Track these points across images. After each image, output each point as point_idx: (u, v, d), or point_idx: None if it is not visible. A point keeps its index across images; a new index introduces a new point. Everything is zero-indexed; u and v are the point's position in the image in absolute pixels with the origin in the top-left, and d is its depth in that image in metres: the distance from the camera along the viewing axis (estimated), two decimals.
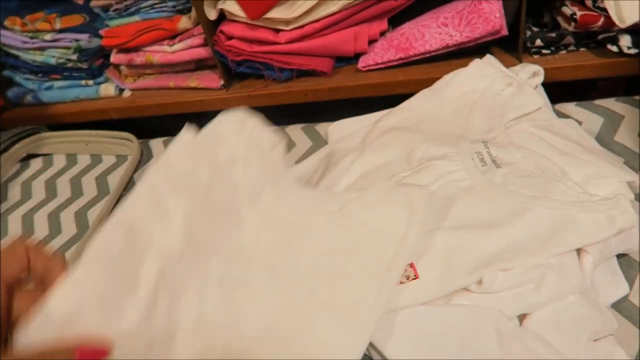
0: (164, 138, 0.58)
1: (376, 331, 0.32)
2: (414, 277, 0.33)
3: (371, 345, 0.33)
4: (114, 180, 0.55)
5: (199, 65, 0.67)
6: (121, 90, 0.70)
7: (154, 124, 0.65)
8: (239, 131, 0.35)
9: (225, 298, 0.31)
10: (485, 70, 0.48)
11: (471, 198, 0.37)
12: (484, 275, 0.32)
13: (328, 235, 0.33)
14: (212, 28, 0.60)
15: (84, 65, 0.68)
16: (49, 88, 0.72)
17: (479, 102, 0.46)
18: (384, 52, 0.57)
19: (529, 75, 0.47)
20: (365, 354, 0.33)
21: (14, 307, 0.26)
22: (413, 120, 0.47)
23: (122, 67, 0.70)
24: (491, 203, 0.36)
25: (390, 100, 0.51)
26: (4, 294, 0.25)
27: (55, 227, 0.52)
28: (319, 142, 0.52)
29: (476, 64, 0.48)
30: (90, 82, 0.70)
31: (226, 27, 0.59)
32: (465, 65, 0.49)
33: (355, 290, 0.30)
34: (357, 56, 0.59)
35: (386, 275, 0.30)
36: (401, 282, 0.33)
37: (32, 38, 0.68)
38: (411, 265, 0.33)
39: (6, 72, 0.74)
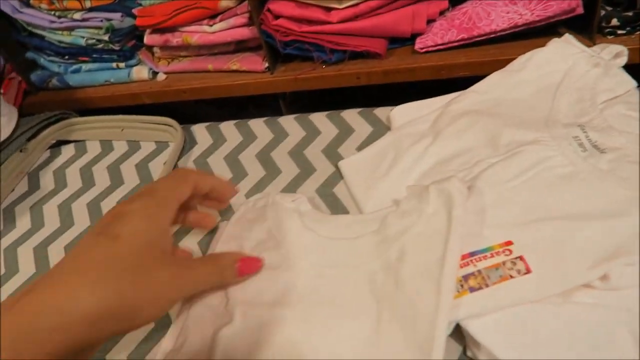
0: (207, 124, 0.54)
1: (485, 331, 0.29)
2: (526, 272, 0.30)
3: (477, 345, 0.29)
4: (156, 168, 0.51)
5: (238, 46, 0.63)
6: (154, 74, 0.66)
7: (189, 111, 0.61)
8: None
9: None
10: (567, 50, 0.44)
11: (577, 186, 0.34)
12: (610, 269, 0.28)
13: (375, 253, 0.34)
14: (259, 6, 0.56)
15: (116, 47, 0.64)
16: (77, 71, 0.68)
17: (564, 84, 0.42)
18: (444, 32, 0.54)
19: (611, 57, 0.44)
20: (468, 356, 0.30)
21: (186, 219, 0.37)
22: (489, 104, 0.43)
23: (156, 49, 0.66)
24: (603, 191, 0.33)
25: (448, 84, 0.48)
26: (177, 210, 0.32)
27: (96, 216, 0.48)
28: (380, 127, 0.48)
29: (555, 44, 0.45)
30: (122, 64, 0.66)
31: (274, 5, 0.55)
32: (535, 46, 0.45)
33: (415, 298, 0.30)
34: (413, 37, 0.56)
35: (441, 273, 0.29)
36: (511, 277, 0.30)
37: (59, 17, 0.64)
38: (521, 258, 0.30)
39: (30, 54, 0.70)
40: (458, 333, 0.31)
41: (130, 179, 0.51)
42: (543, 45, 0.45)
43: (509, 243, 0.31)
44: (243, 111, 0.60)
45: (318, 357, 0.30)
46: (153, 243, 0.29)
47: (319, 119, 0.51)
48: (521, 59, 0.45)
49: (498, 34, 0.52)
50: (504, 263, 0.30)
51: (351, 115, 0.50)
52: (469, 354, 0.31)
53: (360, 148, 0.46)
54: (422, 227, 0.33)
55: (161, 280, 0.28)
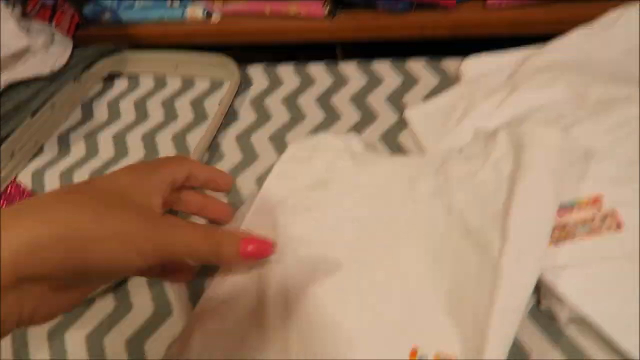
0: (263, 64, 0.53)
1: (569, 285, 0.28)
2: (617, 228, 0.28)
3: (557, 298, 0.28)
4: (211, 106, 0.50)
5: None
6: (209, 14, 0.65)
7: (241, 57, 0.59)
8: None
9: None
10: None
11: None
12: None
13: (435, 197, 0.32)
14: None
15: None
16: (130, 7, 0.67)
17: None
18: None
19: None
20: (548, 310, 0.29)
21: (182, 200, 0.33)
22: (574, 61, 0.40)
23: None
24: None
25: (520, 44, 0.45)
26: (169, 190, 0.30)
27: (151, 149, 0.47)
28: (446, 80, 0.46)
29: None
30: (176, 3, 0.64)
31: None
32: (620, 3, 0.42)
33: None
34: None
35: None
36: (600, 232, 0.28)
37: None
38: (611, 214, 0.28)
39: None
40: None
41: (185, 115, 0.50)
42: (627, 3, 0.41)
43: (599, 198, 0.29)
44: (296, 60, 0.58)
45: (375, 281, 0.30)
46: (128, 194, 0.26)
47: (382, 66, 0.48)
48: (611, 16, 0.42)
49: None
50: (592, 218, 0.28)
51: (417, 65, 0.48)
52: (543, 306, 0.29)
53: (426, 99, 0.44)
54: (488, 174, 0.31)
55: (128, 222, 0.24)
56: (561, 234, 0.28)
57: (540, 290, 0.29)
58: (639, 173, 0.30)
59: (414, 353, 0.26)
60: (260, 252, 0.29)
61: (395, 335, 0.27)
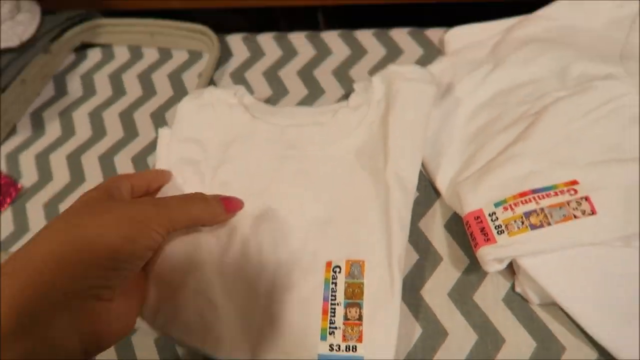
0: (243, 34, 0.51)
1: (542, 269, 0.29)
2: (591, 213, 0.29)
3: (531, 283, 0.30)
4: (190, 80, 0.49)
5: None
6: None
7: (218, 22, 0.57)
8: None
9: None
10: None
11: None
12: None
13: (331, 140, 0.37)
14: None
15: None
16: None
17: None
18: None
19: None
20: (517, 292, 0.30)
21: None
22: (558, 32, 0.40)
23: None
24: None
25: (506, 11, 0.44)
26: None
27: (129, 127, 0.46)
28: (431, 50, 0.45)
29: None
30: None
31: None
32: None
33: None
34: None
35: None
36: (575, 217, 0.29)
37: None
38: (586, 199, 0.29)
39: None
40: (507, 268, 0.31)
41: (163, 89, 0.49)
42: None
43: (575, 182, 0.30)
44: (275, 25, 0.56)
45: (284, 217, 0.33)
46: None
47: (365, 36, 0.47)
48: None
49: None
50: (568, 202, 0.29)
51: (400, 35, 0.46)
52: (517, 289, 0.31)
53: None
54: (374, 115, 0.36)
55: (125, 208, 0.27)
56: (538, 218, 0.29)
57: (518, 275, 0.31)
58: (615, 157, 0.30)
59: (329, 264, 0.31)
60: (238, 204, 0.34)
61: (310, 261, 0.31)
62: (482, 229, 0.30)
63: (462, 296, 0.31)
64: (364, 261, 0.30)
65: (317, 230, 0.33)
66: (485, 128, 0.36)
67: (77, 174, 0.44)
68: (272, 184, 0.35)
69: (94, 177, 0.44)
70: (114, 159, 0.45)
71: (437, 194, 0.36)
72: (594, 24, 0.40)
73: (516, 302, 0.31)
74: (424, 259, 0.33)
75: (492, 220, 0.30)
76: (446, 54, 0.43)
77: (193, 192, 0.32)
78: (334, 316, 0.29)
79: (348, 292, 0.29)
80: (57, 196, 0.44)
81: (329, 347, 0.28)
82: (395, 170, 0.32)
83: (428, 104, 0.35)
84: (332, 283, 0.30)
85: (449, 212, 0.35)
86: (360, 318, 0.29)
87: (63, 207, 0.43)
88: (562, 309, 0.28)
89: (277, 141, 0.37)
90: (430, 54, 0.45)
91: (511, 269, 0.32)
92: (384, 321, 0.28)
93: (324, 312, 0.29)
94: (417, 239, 0.34)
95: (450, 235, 0.34)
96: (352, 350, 0.28)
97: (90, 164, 0.45)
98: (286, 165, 0.36)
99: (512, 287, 0.31)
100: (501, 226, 0.29)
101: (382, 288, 0.29)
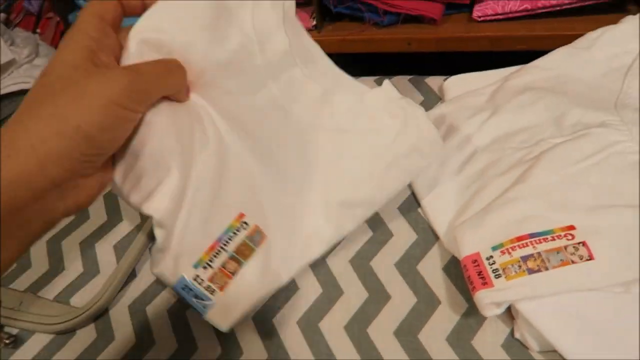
0: None
1: (540, 314, 0.29)
2: (588, 258, 0.29)
3: (529, 328, 0.29)
4: None
5: None
6: None
7: None
8: None
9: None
10: None
11: None
12: None
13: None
14: None
15: None
16: None
17: (635, 66, 0.40)
18: (505, 1, 0.51)
19: None
20: (517, 338, 0.30)
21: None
22: (554, 81, 0.41)
23: None
24: None
25: (503, 60, 0.46)
26: (99, 23, 0.26)
27: None
28: (431, 97, 0.46)
29: (630, 21, 0.42)
30: None
31: None
32: (602, 23, 0.42)
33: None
34: (472, 4, 0.53)
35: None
36: (573, 262, 0.29)
37: None
38: (584, 244, 0.29)
39: None
40: (507, 313, 0.31)
41: None
42: (610, 22, 0.42)
43: (572, 227, 0.30)
44: None
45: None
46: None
47: (366, 83, 0.49)
48: (590, 36, 0.43)
49: (564, 7, 0.49)
50: (565, 247, 0.29)
51: (401, 82, 0.48)
52: (517, 335, 0.30)
53: None
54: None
55: (101, 88, 0.24)
56: (535, 262, 0.29)
57: (517, 320, 0.30)
58: (611, 203, 0.31)
59: (241, 216, 0.31)
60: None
61: (227, 205, 0.31)
62: (480, 273, 0.30)
63: (460, 341, 0.31)
64: (266, 238, 0.32)
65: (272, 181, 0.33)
66: (483, 172, 0.37)
67: None
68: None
69: None
70: None
71: (436, 236, 0.36)
72: (590, 73, 0.41)
73: (515, 347, 0.30)
74: (421, 302, 0.33)
75: (489, 264, 0.30)
76: (445, 101, 0.45)
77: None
78: (216, 257, 0.30)
79: (240, 248, 0.31)
80: None
81: (194, 276, 0.29)
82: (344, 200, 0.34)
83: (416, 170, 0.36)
84: (234, 233, 0.31)
85: (448, 256, 0.35)
86: (234, 274, 0.30)
87: None
88: (562, 357, 0.28)
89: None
90: (430, 101, 0.46)
91: (510, 314, 0.31)
92: (246, 297, 0.30)
93: (211, 248, 0.30)
94: (415, 281, 0.34)
95: (448, 279, 0.34)
96: (211, 293, 0.29)
97: None
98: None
99: (512, 333, 0.31)
100: (499, 270, 0.29)
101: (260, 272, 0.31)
